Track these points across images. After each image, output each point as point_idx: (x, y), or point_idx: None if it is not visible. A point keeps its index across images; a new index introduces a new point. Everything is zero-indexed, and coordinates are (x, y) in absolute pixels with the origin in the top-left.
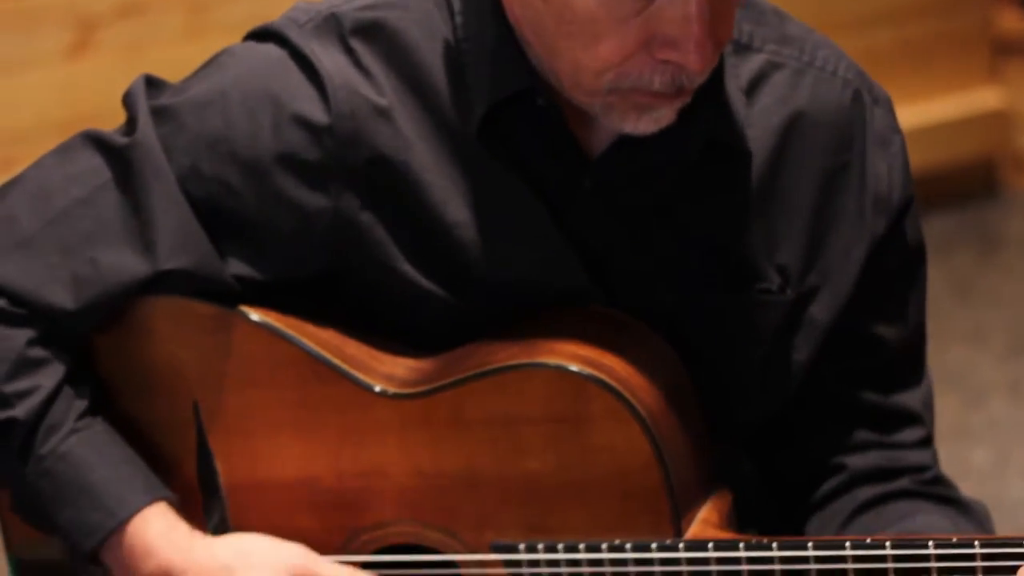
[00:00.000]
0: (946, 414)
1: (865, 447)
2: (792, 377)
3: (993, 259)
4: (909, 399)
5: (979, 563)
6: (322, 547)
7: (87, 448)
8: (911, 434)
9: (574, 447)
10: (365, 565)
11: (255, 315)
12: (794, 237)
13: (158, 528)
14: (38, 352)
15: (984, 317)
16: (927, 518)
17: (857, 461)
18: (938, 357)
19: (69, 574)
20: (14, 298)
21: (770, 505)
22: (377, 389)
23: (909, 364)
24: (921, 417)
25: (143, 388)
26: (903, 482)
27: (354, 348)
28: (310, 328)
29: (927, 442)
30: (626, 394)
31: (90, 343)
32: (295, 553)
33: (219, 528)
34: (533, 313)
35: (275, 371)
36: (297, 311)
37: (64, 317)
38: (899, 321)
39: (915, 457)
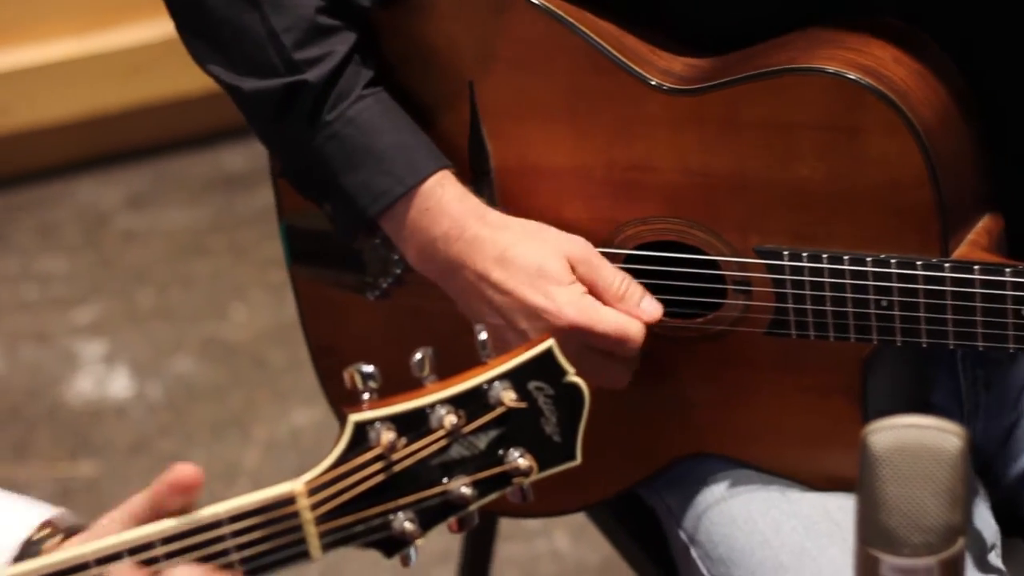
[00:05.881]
0: None
1: None
2: None
3: None
4: None
5: None
6: (587, 238)
7: (375, 114)
8: None
9: (846, 157)
10: (628, 259)
11: None
12: None
13: (452, 193)
14: (328, 20)
15: None
16: None
17: None
18: None
19: (330, 243)
20: None
21: None
22: (653, 82)
23: None
24: None
25: (420, 66)
26: None
27: (633, 41)
28: (589, 18)
29: None
30: (903, 106)
31: (370, 19)
32: (580, 244)
33: None
34: (819, 21)
35: (552, 57)
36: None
37: None
38: None
39: None
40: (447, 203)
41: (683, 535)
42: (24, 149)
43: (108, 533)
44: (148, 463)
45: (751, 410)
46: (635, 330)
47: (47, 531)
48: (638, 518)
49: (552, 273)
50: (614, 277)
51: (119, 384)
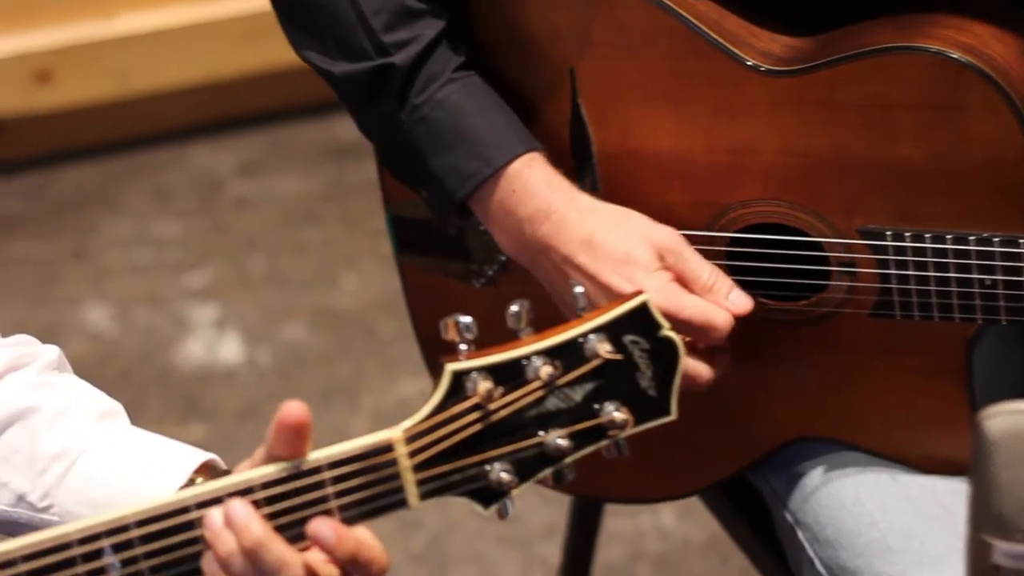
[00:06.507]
0: None
1: None
2: None
3: None
4: None
5: None
6: (689, 222)
7: (464, 96)
8: None
9: (947, 136)
10: (732, 242)
11: None
12: None
13: (540, 175)
14: (417, 4)
15: None
16: None
17: None
18: None
19: (436, 231)
20: None
21: None
22: (749, 63)
23: None
24: None
25: (519, 53)
26: None
27: (732, 23)
28: (688, 0)
29: None
30: (1004, 85)
31: (470, 7)
32: (670, 234)
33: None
34: None
35: (651, 42)
36: None
37: None
38: None
39: None
40: (534, 185)
41: (789, 517)
42: (140, 114)
43: None
44: (256, 428)
45: (857, 393)
46: (721, 319)
47: (206, 473)
48: (745, 497)
49: (638, 260)
50: (703, 268)
51: (229, 349)
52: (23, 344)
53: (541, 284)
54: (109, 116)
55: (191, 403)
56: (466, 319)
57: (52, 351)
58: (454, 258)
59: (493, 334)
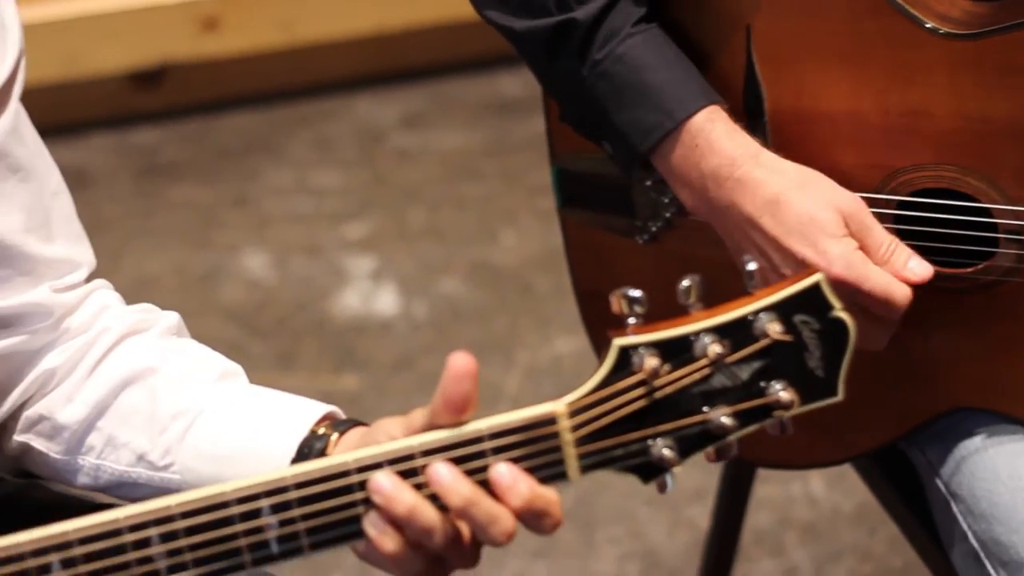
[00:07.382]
0: None
1: None
2: None
3: None
4: None
5: None
6: (858, 185)
7: (645, 50)
8: None
9: None
10: (900, 205)
11: None
12: None
13: (722, 129)
14: None
15: None
16: None
17: None
18: None
19: (601, 186)
20: None
21: None
22: (928, 25)
23: None
24: None
25: (698, 8)
26: None
27: None
28: None
29: None
30: None
31: None
32: (853, 200)
33: None
34: None
35: (829, 1)
36: None
37: None
38: None
39: None
40: (716, 139)
41: (943, 488)
42: (306, 63)
43: (386, 435)
44: (410, 380)
45: (1019, 364)
46: (901, 294)
47: (327, 423)
48: (896, 467)
49: (825, 224)
50: (883, 238)
51: (385, 301)
52: (146, 311)
53: (704, 244)
54: (274, 65)
55: (345, 353)
56: (635, 292)
57: (172, 316)
58: (619, 213)
59: (653, 292)
